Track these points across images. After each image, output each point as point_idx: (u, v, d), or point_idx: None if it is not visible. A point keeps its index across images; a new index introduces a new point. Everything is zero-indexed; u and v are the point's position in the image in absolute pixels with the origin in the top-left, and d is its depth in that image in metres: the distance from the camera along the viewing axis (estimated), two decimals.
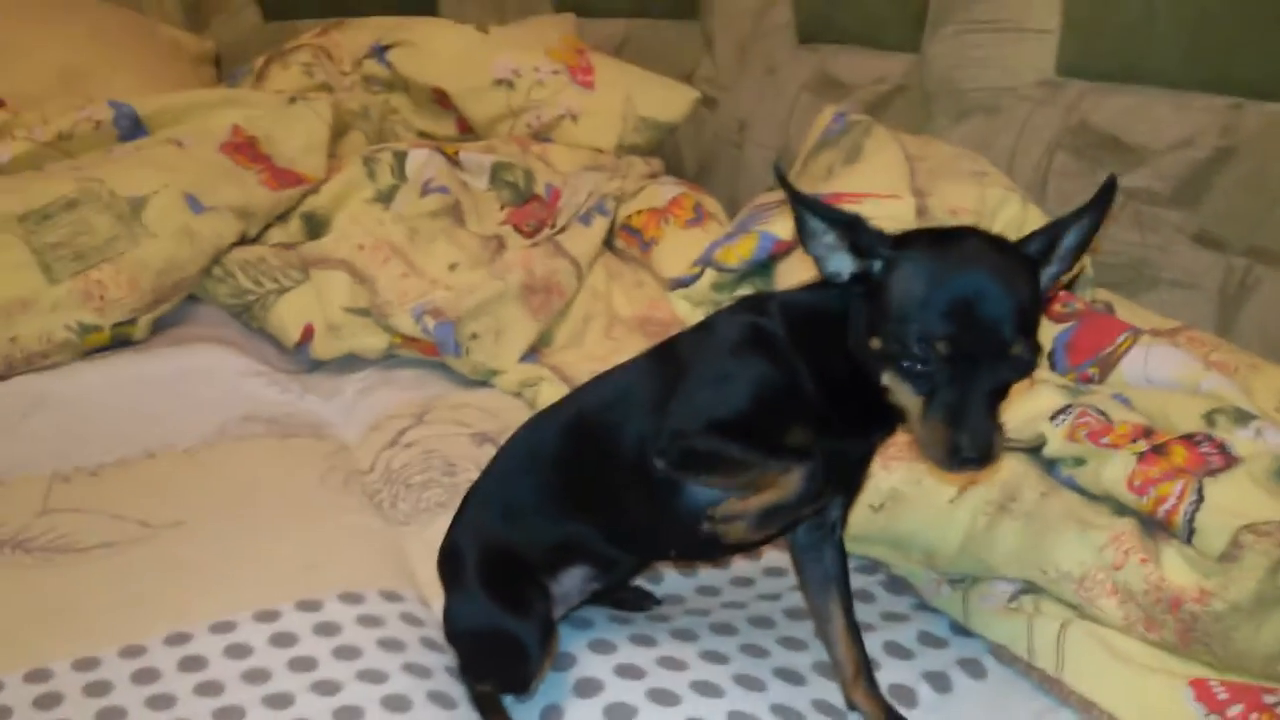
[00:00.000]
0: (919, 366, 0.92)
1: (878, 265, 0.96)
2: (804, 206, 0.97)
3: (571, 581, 1.15)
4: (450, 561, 1.17)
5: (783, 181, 0.98)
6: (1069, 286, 1.55)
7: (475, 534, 1.16)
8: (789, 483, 0.96)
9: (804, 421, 1.01)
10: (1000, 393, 0.93)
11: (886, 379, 0.96)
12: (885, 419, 1.02)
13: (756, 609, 1.27)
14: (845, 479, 1.08)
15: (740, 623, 1.23)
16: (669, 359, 1.10)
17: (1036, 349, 0.93)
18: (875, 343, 0.95)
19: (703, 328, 1.12)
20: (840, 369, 1.00)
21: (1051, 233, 0.99)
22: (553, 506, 1.13)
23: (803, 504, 0.98)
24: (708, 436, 1.00)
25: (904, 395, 0.95)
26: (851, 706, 1.11)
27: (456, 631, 1.15)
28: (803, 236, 0.98)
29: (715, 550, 1.18)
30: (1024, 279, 0.94)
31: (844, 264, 0.98)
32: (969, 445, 0.90)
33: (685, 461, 1.02)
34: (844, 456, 1.04)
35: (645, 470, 1.04)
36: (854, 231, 0.96)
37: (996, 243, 0.97)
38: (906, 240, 0.97)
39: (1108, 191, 0.98)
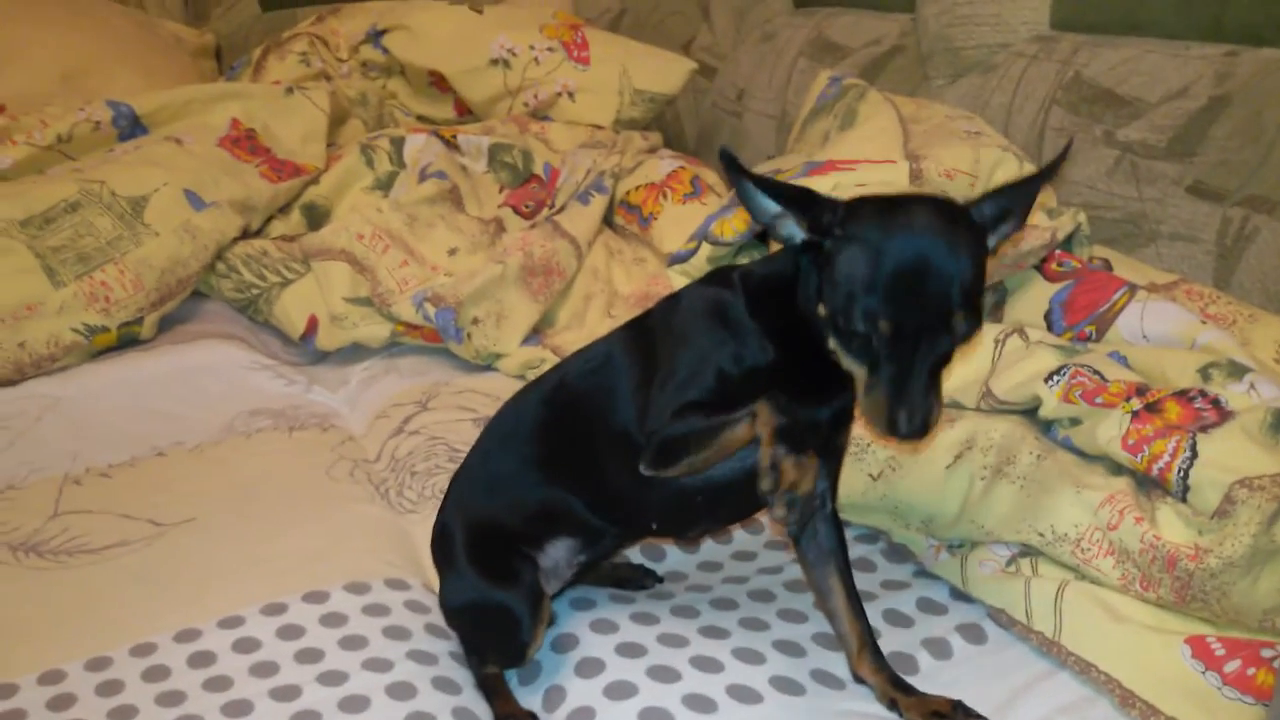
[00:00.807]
0: (863, 341, 0.94)
1: (828, 242, 0.96)
2: (755, 185, 0.97)
3: (558, 553, 1.17)
4: (441, 543, 1.19)
5: (729, 162, 0.97)
6: (1065, 245, 1.54)
7: (462, 512, 1.18)
8: (763, 418, 0.95)
9: (769, 387, 1.01)
10: (942, 360, 0.95)
11: (832, 344, 0.98)
12: (843, 381, 1.03)
13: (757, 583, 1.28)
14: (823, 444, 1.08)
15: (741, 597, 1.24)
16: (642, 331, 1.12)
17: (977, 318, 0.95)
18: (823, 310, 0.97)
19: (672, 299, 1.14)
20: (797, 333, 1.02)
21: (1007, 197, 1.00)
22: (533, 473, 1.16)
23: (796, 424, 0.94)
24: (675, 422, 1.01)
25: (848, 362, 0.97)
26: (859, 680, 1.12)
27: (451, 610, 1.17)
28: (752, 211, 0.99)
29: (692, 525, 1.19)
30: (967, 250, 0.94)
31: (795, 232, 0.99)
32: (905, 422, 0.92)
33: (663, 457, 1.03)
34: (814, 421, 1.05)
35: (625, 441, 1.06)
36: (804, 209, 0.97)
37: (944, 212, 0.96)
38: (856, 211, 0.97)
39: (1064, 154, 1.03)
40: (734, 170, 0.97)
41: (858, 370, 0.96)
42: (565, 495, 1.14)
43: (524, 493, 1.16)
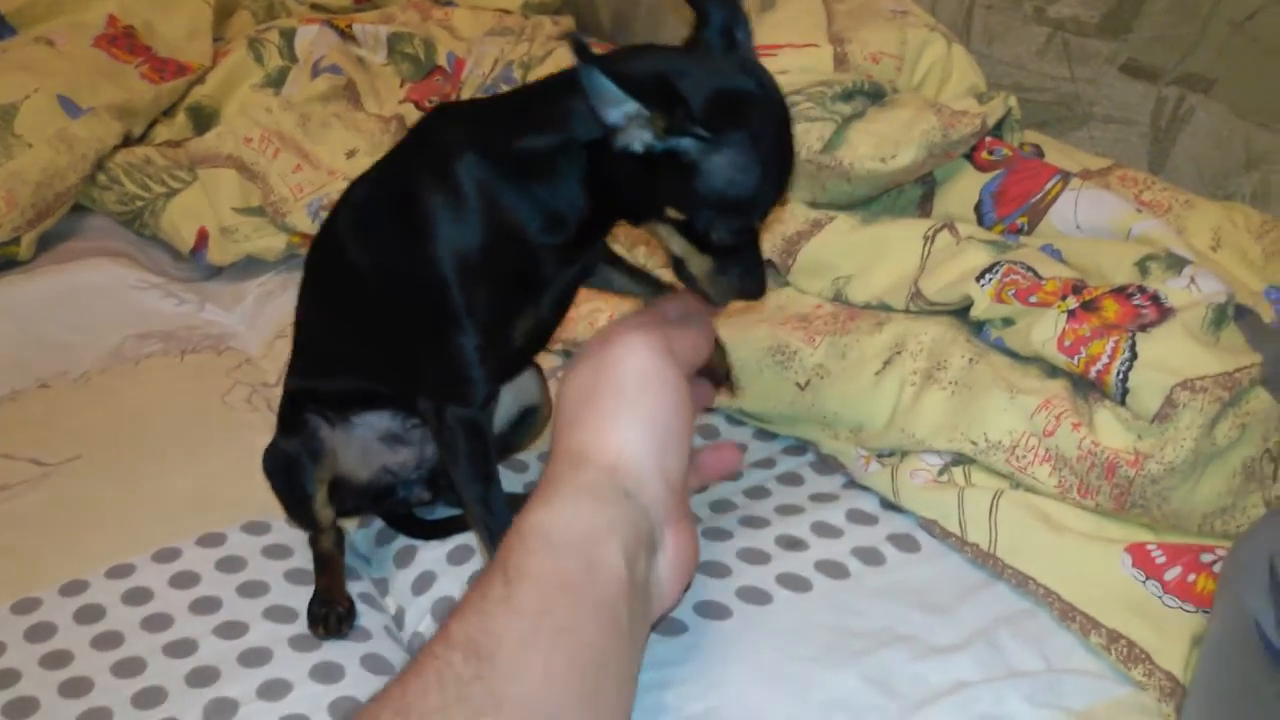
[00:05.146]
0: (725, 241, 0.90)
1: (689, 146, 0.84)
2: (610, 78, 0.81)
3: (382, 420, 1.12)
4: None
5: (580, 50, 0.80)
6: (996, 131, 1.46)
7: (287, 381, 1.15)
8: None
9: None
10: None
11: (676, 246, 0.93)
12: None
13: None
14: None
15: None
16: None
17: None
18: (673, 213, 0.89)
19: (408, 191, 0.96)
20: (563, 205, 0.93)
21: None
22: (324, 359, 1.10)
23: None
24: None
25: (691, 258, 0.93)
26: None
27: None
28: (601, 110, 0.83)
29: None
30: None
31: (644, 139, 0.85)
32: (754, 290, 0.94)
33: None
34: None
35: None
36: (667, 108, 0.82)
37: (781, 96, 0.90)
38: (715, 111, 0.84)
39: None
40: (585, 58, 0.80)
41: (700, 262, 0.92)
42: (368, 384, 1.09)
43: (328, 379, 1.11)
